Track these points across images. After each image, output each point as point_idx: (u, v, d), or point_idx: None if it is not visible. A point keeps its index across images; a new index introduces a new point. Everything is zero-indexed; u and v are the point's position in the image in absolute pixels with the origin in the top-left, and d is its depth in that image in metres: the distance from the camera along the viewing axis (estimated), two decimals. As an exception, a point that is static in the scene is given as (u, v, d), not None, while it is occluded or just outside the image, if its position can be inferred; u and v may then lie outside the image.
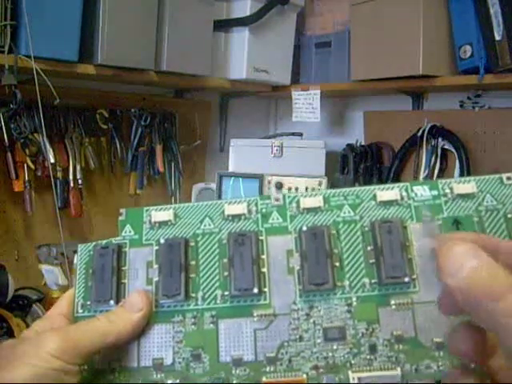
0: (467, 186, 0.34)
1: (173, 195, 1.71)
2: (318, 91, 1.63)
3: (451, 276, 0.25)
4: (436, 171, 1.53)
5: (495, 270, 0.25)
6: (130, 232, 0.36)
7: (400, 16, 1.42)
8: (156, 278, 0.34)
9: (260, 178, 1.58)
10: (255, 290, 0.32)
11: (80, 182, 1.45)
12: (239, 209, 0.35)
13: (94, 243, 0.36)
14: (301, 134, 1.70)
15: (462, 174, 1.47)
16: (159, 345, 0.33)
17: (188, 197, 1.81)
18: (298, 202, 0.35)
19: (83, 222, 1.54)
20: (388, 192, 0.34)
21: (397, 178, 1.64)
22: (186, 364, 0.32)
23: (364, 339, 0.31)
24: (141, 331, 0.33)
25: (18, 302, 1.26)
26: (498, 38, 1.26)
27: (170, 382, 0.32)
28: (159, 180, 1.71)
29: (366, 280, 0.32)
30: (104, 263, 0.34)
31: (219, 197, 1.61)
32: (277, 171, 1.59)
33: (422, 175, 1.54)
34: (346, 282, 0.32)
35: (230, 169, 1.64)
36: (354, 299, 0.32)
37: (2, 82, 1.12)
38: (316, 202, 0.35)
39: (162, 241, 0.35)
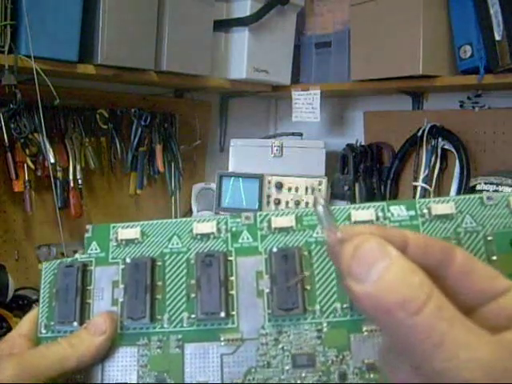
0: (446, 206, 0.32)
1: (173, 195, 1.71)
2: (318, 91, 1.63)
3: (359, 281, 0.21)
4: (436, 171, 1.54)
5: (409, 274, 0.20)
6: (96, 249, 0.34)
7: (400, 16, 1.42)
8: (121, 299, 0.32)
9: (260, 177, 1.58)
10: (222, 314, 0.31)
11: (80, 182, 1.45)
12: (208, 227, 0.34)
13: (59, 261, 0.34)
14: (301, 134, 1.70)
15: (461, 174, 1.47)
16: (123, 368, 0.31)
17: (188, 197, 1.81)
18: (269, 221, 0.33)
19: (83, 222, 1.54)
20: (363, 212, 0.33)
21: (397, 178, 1.64)
22: None
23: (334, 367, 0.30)
24: (105, 354, 0.31)
25: (17, 301, 1.26)
26: (498, 38, 1.26)
27: None
28: (159, 180, 1.71)
29: (338, 305, 0.31)
30: (68, 283, 0.33)
31: (219, 197, 1.62)
32: (277, 171, 1.59)
33: (421, 175, 1.54)
34: (317, 307, 0.31)
35: (230, 169, 1.64)
36: (325, 325, 0.31)
37: (2, 82, 1.12)
38: (288, 221, 0.33)
39: (128, 260, 0.33)
